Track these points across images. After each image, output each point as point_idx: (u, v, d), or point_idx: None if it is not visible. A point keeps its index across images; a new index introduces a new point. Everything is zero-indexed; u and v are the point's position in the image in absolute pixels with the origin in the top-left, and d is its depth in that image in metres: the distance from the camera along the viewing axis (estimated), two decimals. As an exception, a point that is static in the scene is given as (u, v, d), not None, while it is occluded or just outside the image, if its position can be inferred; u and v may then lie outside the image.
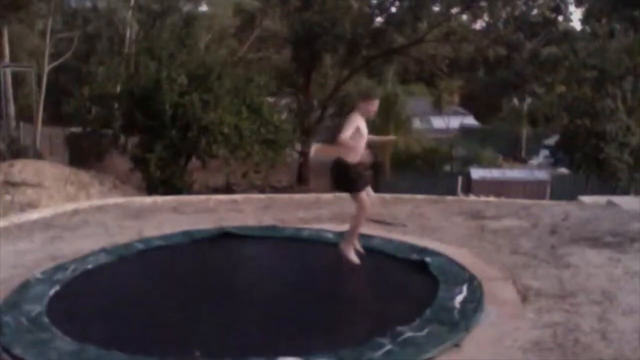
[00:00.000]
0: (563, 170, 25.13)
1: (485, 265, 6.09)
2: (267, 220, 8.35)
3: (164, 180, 16.90)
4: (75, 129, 21.15)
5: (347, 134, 5.16)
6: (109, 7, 27.62)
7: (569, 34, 26.85)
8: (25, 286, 5.56)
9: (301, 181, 25.29)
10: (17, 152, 18.81)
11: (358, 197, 4.96)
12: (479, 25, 26.88)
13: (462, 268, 5.88)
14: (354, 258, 4.81)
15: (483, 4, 25.28)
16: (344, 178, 4.97)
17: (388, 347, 4.27)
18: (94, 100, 18.85)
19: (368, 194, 5.15)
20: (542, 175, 23.66)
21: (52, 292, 5.51)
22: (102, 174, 18.09)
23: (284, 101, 25.97)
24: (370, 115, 5.47)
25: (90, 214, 8.88)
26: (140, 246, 6.96)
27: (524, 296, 5.20)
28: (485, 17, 26.23)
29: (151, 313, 5.22)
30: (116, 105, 18.72)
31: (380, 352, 4.20)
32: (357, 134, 5.28)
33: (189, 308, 5.31)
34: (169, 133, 16.70)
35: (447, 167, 27.62)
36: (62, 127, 23.17)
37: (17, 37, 26.34)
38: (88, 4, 29.15)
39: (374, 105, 5.42)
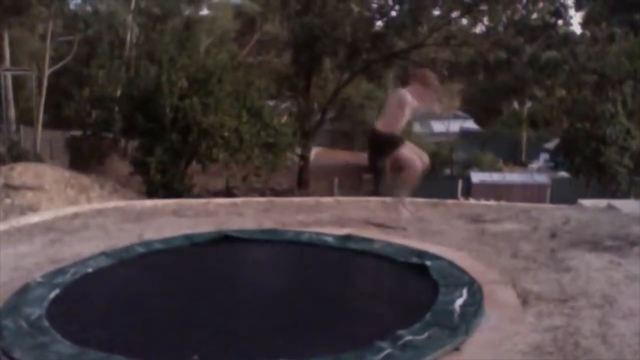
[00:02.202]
0: (563, 173, 25.12)
1: (485, 268, 6.09)
2: (268, 223, 8.34)
3: (164, 183, 16.93)
4: (76, 132, 21.17)
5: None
6: (110, 10, 27.65)
7: (569, 38, 26.86)
8: (25, 289, 5.56)
9: (301, 184, 25.29)
10: (17, 155, 18.81)
11: (400, 157, 4.50)
12: (479, 29, 26.92)
13: (462, 271, 5.88)
14: (405, 212, 4.35)
15: (483, 7, 25.31)
16: (381, 143, 4.66)
17: (388, 350, 4.27)
18: (94, 104, 18.90)
19: (412, 151, 4.67)
20: (542, 178, 23.66)
21: (52, 295, 5.51)
22: (103, 177, 18.10)
23: (284, 105, 26.02)
24: (429, 100, 4.87)
25: (91, 218, 8.88)
26: (141, 249, 6.96)
27: (524, 300, 5.20)
28: (485, 21, 26.26)
29: (151, 317, 5.22)
30: (116, 109, 18.75)
31: (380, 356, 4.20)
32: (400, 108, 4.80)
33: (189, 312, 5.31)
34: (169, 136, 16.74)
35: (447, 171, 27.63)
36: (63, 130, 23.18)
37: (18, 41, 26.39)
38: (88, 8, 29.21)
39: (433, 85, 4.82)
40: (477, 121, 35.92)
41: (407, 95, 4.73)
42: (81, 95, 19.02)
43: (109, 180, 17.93)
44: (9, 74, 23.04)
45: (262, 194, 18.37)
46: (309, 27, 24.37)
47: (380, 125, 4.73)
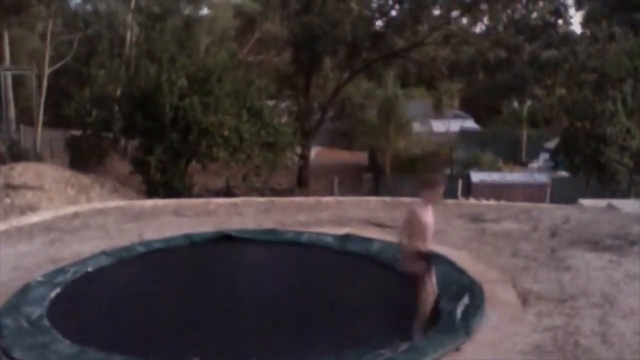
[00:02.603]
0: (563, 173, 25.06)
1: (485, 268, 6.10)
2: (268, 223, 8.36)
3: (164, 182, 16.90)
4: (76, 132, 21.14)
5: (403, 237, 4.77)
6: (110, 9, 27.60)
7: (569, 37, 26.83)
8: (25, 289, 5.57)
9: (301, 184, 25.24)
10: (17, 154, 18.77)
11: (419, 281, 4.52)
12: (479, 28, 26.90)
13: (463, 272, 5.88)
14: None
15: (483, 7, 25.28)
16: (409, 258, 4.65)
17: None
18: (94, 103, 18.85)
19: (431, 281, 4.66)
20: (542, 178, 23.59)
21: (52, 294, 5.52)
22: (103, 176, 18.09)
23: (284, 104, 25.96)
24: (437, 202, 4.87)
25: (91, 217, 8.89)
26: (141, 249, 6.97)
27: (524, 299, 5.20)
28: (486, 20, 26.23)
29: (151, 316, 5.22)
30: (116, 108, 18.72)
31: (380, 355, 4.19)
32: (421, 225, 4.76)
33: (189, 311, 5.31)
34: (169, 136, 16.70)
35: (448, 170, 27.61)
36: (63, 129, 23.16)
37: (18, 40, 26.34)
38: (88, 7, 29.17)
39: (440, 191, 4.83)
40: (477, 120, 35.86)
41: (417, 212, 4.69)
42: (81, 94, 18.99)
43: (109, 179, 17.91)
44: (9, 74, 22.99)
45: (262, 194, 18.36)
46: (309, 26, 24.33)
47: (405, 242, 4.70)
